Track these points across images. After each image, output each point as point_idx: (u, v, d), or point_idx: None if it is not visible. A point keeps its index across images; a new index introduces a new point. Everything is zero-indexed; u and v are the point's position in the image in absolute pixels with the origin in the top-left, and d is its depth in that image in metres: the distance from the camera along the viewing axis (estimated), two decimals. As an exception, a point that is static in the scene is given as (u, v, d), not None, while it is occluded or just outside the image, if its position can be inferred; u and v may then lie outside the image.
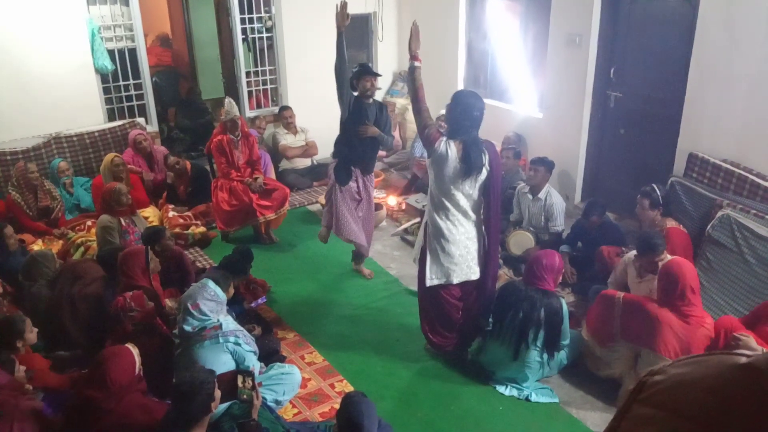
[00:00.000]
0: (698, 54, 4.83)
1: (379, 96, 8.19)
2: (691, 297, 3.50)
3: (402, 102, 7.99)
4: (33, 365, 3.36)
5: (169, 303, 4.19)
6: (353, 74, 4.76)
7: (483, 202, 3.78)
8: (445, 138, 3.65)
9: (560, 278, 3.98)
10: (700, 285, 3.87)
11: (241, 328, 3.65)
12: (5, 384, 2.94)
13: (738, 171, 4.58)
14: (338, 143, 4.93)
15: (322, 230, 5.20)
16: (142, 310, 3.61)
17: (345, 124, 4.81)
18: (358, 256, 5.18)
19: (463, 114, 3.66)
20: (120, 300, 3.62)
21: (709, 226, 4.39)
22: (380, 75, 4.84)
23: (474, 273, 3.86)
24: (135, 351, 3.08)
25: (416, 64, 3.73)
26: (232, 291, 3.88)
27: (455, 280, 3.83)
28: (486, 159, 3.66)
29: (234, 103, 5.78)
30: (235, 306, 4.24)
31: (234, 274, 4.30)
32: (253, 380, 3.08)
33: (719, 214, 4.36)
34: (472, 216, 3.77)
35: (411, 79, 3.76)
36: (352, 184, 4.89)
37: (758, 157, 4.57)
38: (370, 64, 4.93)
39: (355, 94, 4.76)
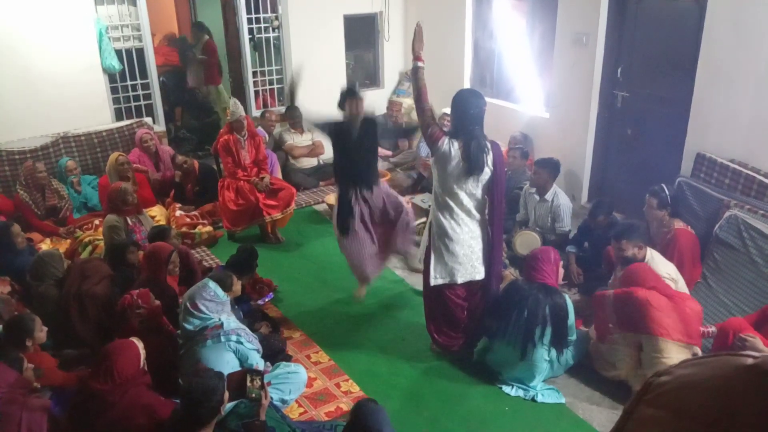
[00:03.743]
0: (706, 53, 4.81)
1: (385, 96, 8.23)
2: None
3: (409, 102, 7.98)
4: (41, 364, 3.38)
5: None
6: (341, 96, 4.54)
7: (487, 202, 3.78)
8: (447, 137, 3.65)
9: (561, 272, 3.96)
10: (706, 285, 3.93)
11: (243, 326, 3.66)
12: (14, 382, 2.96)
13: (746, 171, 4.56)
14: (334, 167, 4.74)
15: None
16: (148, 307, 3.64)
17: (333, 148, 4.62)
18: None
19: (462, 112, 3.67)
20: (127, 297, 3.65)
21: (716, 227, 4.36)
22: (361, 98, 4.56)
23: (479, 273, 3.86)
24: (140, 344, 3.12)
25: (419, 64, 3.76)
26: (239, 287, 3.86)
27: (459, 280, 3.83)
28: (489, 159, 3.65)
29: (239, 103, 5.80)
30: (242, 305, 4.26)
31: (240, 273, 4.31)
32: (262, 379, 3.09)
33: (727, 214, 4.34)
34: (476, 215, 3.77)
35: (414, 79, 3.79)
36: (357, 217, 4.52)
37: (766, 157, 4.54)
38: (357, 84, 4.71)
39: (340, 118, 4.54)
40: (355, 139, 4.47)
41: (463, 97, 3.71)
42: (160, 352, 3.53)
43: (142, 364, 3.09)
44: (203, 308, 3.48)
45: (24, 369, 3.14)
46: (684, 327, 3.53)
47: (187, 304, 3.51)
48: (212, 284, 3.57)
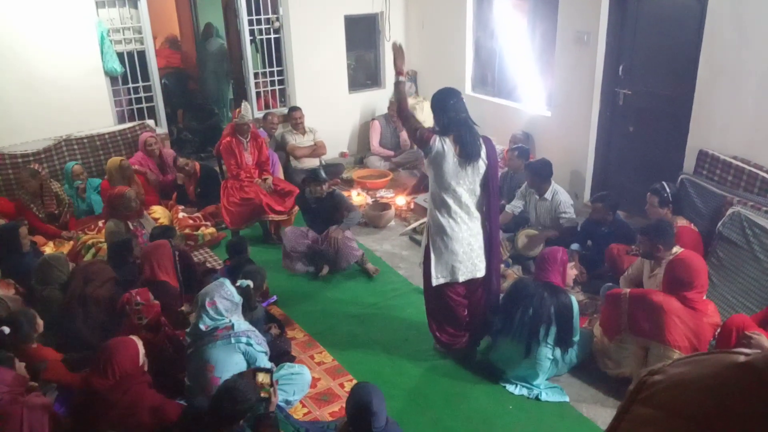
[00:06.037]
0: (707, 51, 4.80)
1: (386, 96, 8.23)
2: (697, 291, 3.55)
3: (410, 102, 7.98)
4: (46, 356, 3.39)
5: (184, 309, 4.25)
6: (303, 179, 5.55)
7: (484, 198, 3.79)
8: (438, 136, 3.66)
9: (568, 272, 3.95)
10: (709, 282, 3.88)
11: (253, 329, 3.65)
12: (11, 381, 2.92)
13: (748, 168, 4.55)
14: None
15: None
16: (147, 304, 3.64)
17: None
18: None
19: (441, 108, 3.72)
20: (126, 295, 3.67)
21: (719, 224, 4.36)
22: (325, 180, 5.42)
23: (479, 270, 3.86)
24: (140, 343, 3.14)
25: (401, 78, 3.86)
26: (265, 286, 4.14)
27: (461, 278, 3.83)
28: (483, 152, 3.67)
29: (249, 107, 5.79)
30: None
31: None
32: (271, 376, 3.10)
33: (730, 211, 4.33)
34: (474, 213, 3.78)
35: (396, 91, 3.91)
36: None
37: (769, 153, 4.53)
38: (320, 170, 5.55)
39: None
40: (317, 210, 5.43)
41: (438, 95, 3.78)
42: (160, 351, 3.54)
43: (141, 361, 3.10)
44: (221, 307, 3.47)
45: (16, 367, 3.12)
46: (696, 340, 3.48)
47: (205, 301, 3.47)
48: (228, 283, 3.58)
